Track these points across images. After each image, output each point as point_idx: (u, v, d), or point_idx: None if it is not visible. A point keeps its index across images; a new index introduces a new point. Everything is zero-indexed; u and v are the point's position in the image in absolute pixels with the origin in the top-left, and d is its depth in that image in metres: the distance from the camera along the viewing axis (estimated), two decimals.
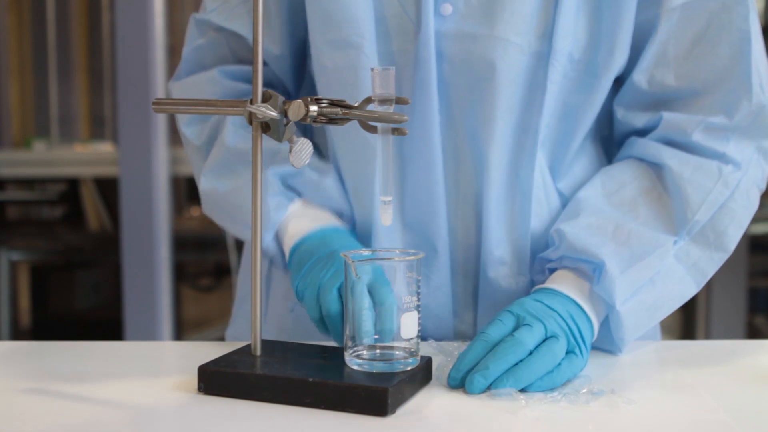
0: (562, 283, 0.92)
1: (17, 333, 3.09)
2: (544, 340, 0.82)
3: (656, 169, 0.98)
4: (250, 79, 1.02)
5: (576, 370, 0.83)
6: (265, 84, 0.90)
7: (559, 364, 0.82)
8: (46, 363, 0.91)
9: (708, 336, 2.59)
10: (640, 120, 1.00)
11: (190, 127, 1.06)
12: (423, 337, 0.98)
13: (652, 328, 1.05)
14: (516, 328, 0.83)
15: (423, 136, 0.95)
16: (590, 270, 0.91)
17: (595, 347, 0.93)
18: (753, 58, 0.96)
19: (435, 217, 0.97)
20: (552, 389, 0.80)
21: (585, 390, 0.78)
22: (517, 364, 0.80)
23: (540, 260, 0.96)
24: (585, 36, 0.95)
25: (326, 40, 0.96)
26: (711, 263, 0.96)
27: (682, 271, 0.94)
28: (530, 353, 0.81)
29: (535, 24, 0.93)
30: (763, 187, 1.01)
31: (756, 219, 1.15)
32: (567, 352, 0.83)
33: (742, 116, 0.96)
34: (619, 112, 1.01)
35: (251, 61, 0.82)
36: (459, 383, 0.80)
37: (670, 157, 0.96)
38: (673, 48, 0.96)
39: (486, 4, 0.93)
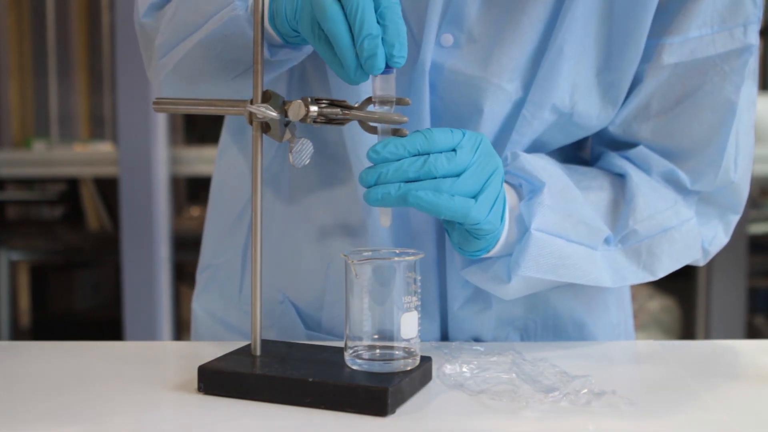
0: None
1: (17, 333, 3.09)
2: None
3: (619, 178, 0.97)
4: None
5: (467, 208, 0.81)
6: None
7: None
8: (46, 363, 0.91)
9: (708, 336, 2.59)
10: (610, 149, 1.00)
11: (148, 17, 0.98)
12: None
13: (625, 327, 1.05)
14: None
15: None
16: (527, 190, 0.89)
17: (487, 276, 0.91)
18: (733, 132, 0.94)
19: (424, 223, 0.96)
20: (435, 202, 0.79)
21: (585, 390, 0.78)
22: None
23: None
24: (580, 89, 0.92)
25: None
26: (634, 277, 0.94)
27: (602, 265, 0.92)
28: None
29: (524, 72, 0.91)
30: (711, 254, 0.99)
31: (756, 219, 1.15)
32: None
33: (705, 185, 0.95)
34: (593, 142, 1.02)
35: None
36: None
37: (635, 172, 0.95)
38: (656, 104, 0.95)
39: (485, 43, 0.91)
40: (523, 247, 0.87)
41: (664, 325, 2.84)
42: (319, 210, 1.00)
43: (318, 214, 1.00)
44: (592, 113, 0.94)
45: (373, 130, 0.81)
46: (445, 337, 0.99)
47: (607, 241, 0.93)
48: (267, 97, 0.81)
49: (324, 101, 0.81)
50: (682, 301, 2.85)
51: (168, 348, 1.15)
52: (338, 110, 0.80)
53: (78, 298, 3.19)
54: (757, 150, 1.01)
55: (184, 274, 3.09)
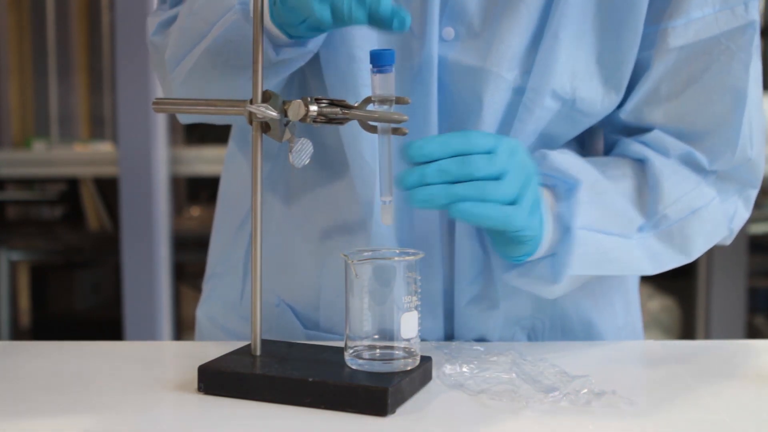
0: None
1: (17, 333, 3.09)
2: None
3: (639, 163, 0.97)
4: None
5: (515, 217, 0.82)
6: None
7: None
8: (46, 363, 0.91)
9: (708, 336, 2.59)
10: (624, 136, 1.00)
11: (157, 35, 1.00)
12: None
13: (633, 328, 1.05)
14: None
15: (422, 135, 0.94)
16: (563, 189, 0.90)
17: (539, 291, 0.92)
18: (747, 110, 0.94)
19: (430, 222, 0.96)
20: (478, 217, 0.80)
21: (585, 390, 0.78)
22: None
23: None
24: (572, 73, 0.92)
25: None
26: (671, 260, 0.95)
27: (640, 253, 0.93)
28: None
29: (523, 60, 0.91)
30: (734, 231, 0.99)
31: (756, 219, 1.15)
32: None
33: (723, 164, 0.95)
34: (605, 130, 1.02)
35: None
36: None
37: (654, 156, 0.95)
38: (665, 88, 0.95)
39: (485, 33, 0.91)
40: (568, 247, 0.88)
41: (664, 325, 2.84)
42: (317, 210, 1.00)
43: (316, 214, 1.00)
44: (596, 99, 0.94)
45: (372, 129, 0.81)
46: (450, 336, 0.99)
47: (640, 228, 0.93)
48: (267, 97, 0.81)
49: (324, 101, 0.81)
50: (682, 301, 2.84)
51: (168, 348, 1.15)
52: (338, 110, 0.80)
53: (78, 298, 3.19)
54: None
55: (184, 274, 3.09)
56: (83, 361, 0.91)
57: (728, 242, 1.01)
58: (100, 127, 3.50)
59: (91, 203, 3.06)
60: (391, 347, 0.79)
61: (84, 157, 2.98)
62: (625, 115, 0.97)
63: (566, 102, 0.93)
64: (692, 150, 0.95)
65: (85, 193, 3.06)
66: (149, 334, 2.62)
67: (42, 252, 3.15)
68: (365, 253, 0.81)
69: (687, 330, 2.80)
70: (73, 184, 3.11)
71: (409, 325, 0.78)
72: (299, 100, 0.79)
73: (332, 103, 0.81)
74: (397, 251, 0.84)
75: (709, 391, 0.81)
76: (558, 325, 1.01)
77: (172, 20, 0.98)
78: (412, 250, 0.81)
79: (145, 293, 2.63)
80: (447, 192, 0.79)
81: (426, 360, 0.81)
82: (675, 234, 0.94)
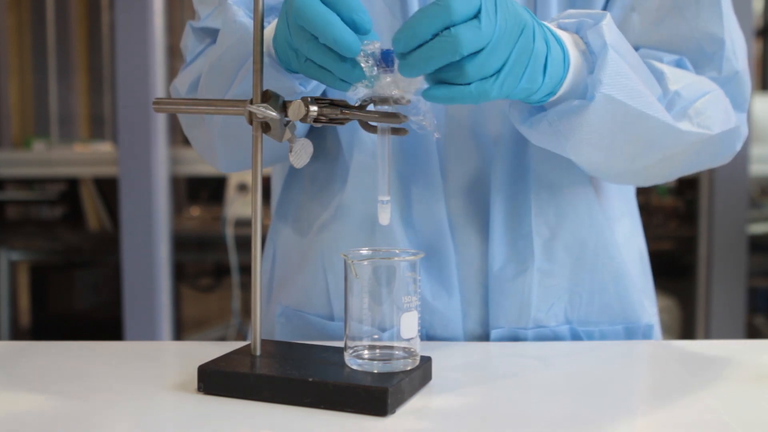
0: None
1: (17, 333, 3.10)
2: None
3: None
4: None
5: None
6: None
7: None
8: (46, 363, 0.91)
9: (708, 336, 2.59)
10: None
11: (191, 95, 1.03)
12: (431, 337, 0.98)
13: (650, 326, 1.05)
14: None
15: (422, 135, 0.95)
16: (589, 25, 0.84)
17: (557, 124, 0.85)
18: (725, 24, 0.95)
19: (438, 216, 0.97)
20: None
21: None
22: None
23: None
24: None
25: None
26: (692, 132, 0.91)
27: (664, 116, 0.89)
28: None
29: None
30: (741, 138, 0.99)
31: (756, 219, 1.15)
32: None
33: (711, 79, 0.96)
34: None
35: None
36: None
37: (650, 60, 0.94)
38: (638, 14, 0.96)
39: None
40: (601, 65, 0.82)
41: (664, 325, 2.84)
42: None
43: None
44: None
45: (372, 129, 0.81)
46: (486, 315, 0.99)
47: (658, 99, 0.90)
48: (267, 97, 0.81)
49: (324, 101, 0.81)
50: (682, 301, 2.85)
51: (168, 348, 1.15)
52: (338, 110, 0.80)
53: (78, 298, 3.19)
54: (757, 150, 1.01)
55: (184, 274, 3.09)
56: (83, 361, 0.91)
57: (738, 146, 0.99)
58: (100, 127, 3.50)
59: (91, 203, 3.06)
60: (391, 347, 0.79)
61: (84, 157, 2.98)
62: None
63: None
64: (682, 58, 0.96)
65: (85, 193, 3.07)
66: (149, 334, 2.62)
67: (42, 252, 3.15)
68: (365, 253, 0.81)
69: (687, 330, 2.81)
70: (73, 184, 3.11)
71: (409, 325, 0.78)
72: (299, 100, 0.79)
73: (332, 103, 0.81)
74: (398, 251, 0.84)
75: (709, 391, 0.81)
76: (596, 301, 1.01)
77: (199, 79, 1.00)
78: (413, 250, 0.81)
79: (145, 293, 2.63)
80: (430, 77, 0.75)
81: (426, 360, 0.81)
82: (691, 113, 0.91)
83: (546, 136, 0.87)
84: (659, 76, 0.92)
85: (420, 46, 0.72)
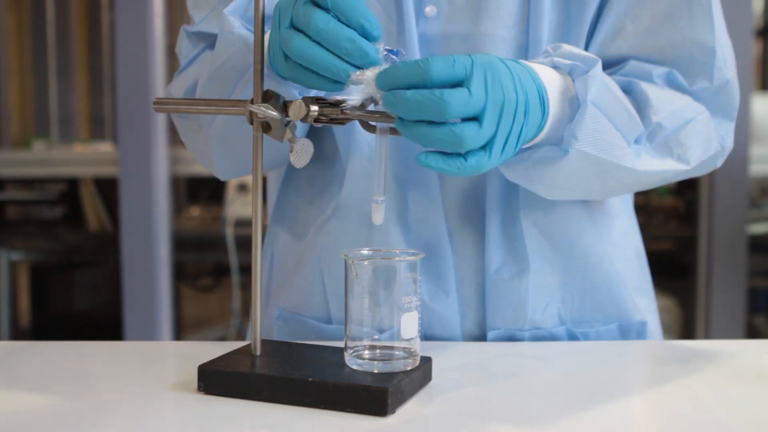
0: (540, 67, 0.84)
1: (17, 333, 3.09)
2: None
3: (625, 85, 0.96)
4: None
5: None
6: None
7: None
8: (46, 363, 0.91)
9: (708, 336, 2.59)
10: None
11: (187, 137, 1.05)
12: (430, 338, 0.98)
13: (643, 323, 1.04)
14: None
15: None
16: (581, 71, 0.85)
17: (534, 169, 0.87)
18: (715, 34, 0.95)
19: (436, 218, 0.97)
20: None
21: None
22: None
23: None
24: (556, 25, 0.95)
25: None
26: (672, 170, 0.93)
27: (640, 160, 0.90)
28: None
29: (519, 17, 0.94)
30: (725, 150, 1.00)
31: (756, 219, 1.15)
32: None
33: (703, 85, 0.96)
34: None
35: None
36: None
37: (640, 81, 0.95)
38: (631, 23, 0.96)
39: (470, 2, 0.94)
40: (579, 120, 0.83)
41: (664, 325, 2.84)
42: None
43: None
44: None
45: (372, 129, 0.81)
46: (483, 316, 0.99)
47: (637, 140, 0.91)
48: (267, 97, 0.81)
49: (324, 101, 0.81)
50: (682, 301, 2.85)
51: (168, 348, 1.15)
52: (338, 110, 0.80)
53: (78, 298, 3.19)
54: (757, 150, 1.01)
55: (183, 274, 3.09)
56: (83, 361, 0.91)
57: (720, 163, 1.01)
58: (100, 127, 3.50)
59: (91, 203, 3.06)
60: (391, 347, 0.79)
61: (84, 157, 2.98)
62: (594, 51, 0.97)
63: (546, 52, 0.91)
64: (672, 70, 0.96)
65: (85, 193, 3.07)
66: (149, 334, 2.62)
67: (42, 252, 3.15)
68: (365, 253, 0.81)
69: (687, 330, 2.81)
70: (73, 184, 3.11)
71: (409, 325, 0.78)
72: (300, 100, 0.79)
73: (333, 103, 0.81)
74: (398, 251, 0.84)
75: (709, 391, 0.81)
76: (587, 300, 1.01)
77: (195, 86, 1.00)
78: (413, 250, 0.81)
79: (145, 293, 2.63)
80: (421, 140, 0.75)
81: (426, 360, 0.81)
82: (672, 144, 0.93)
83: (521, 177, 0.89)
84: (644, 104, 0.92)
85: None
